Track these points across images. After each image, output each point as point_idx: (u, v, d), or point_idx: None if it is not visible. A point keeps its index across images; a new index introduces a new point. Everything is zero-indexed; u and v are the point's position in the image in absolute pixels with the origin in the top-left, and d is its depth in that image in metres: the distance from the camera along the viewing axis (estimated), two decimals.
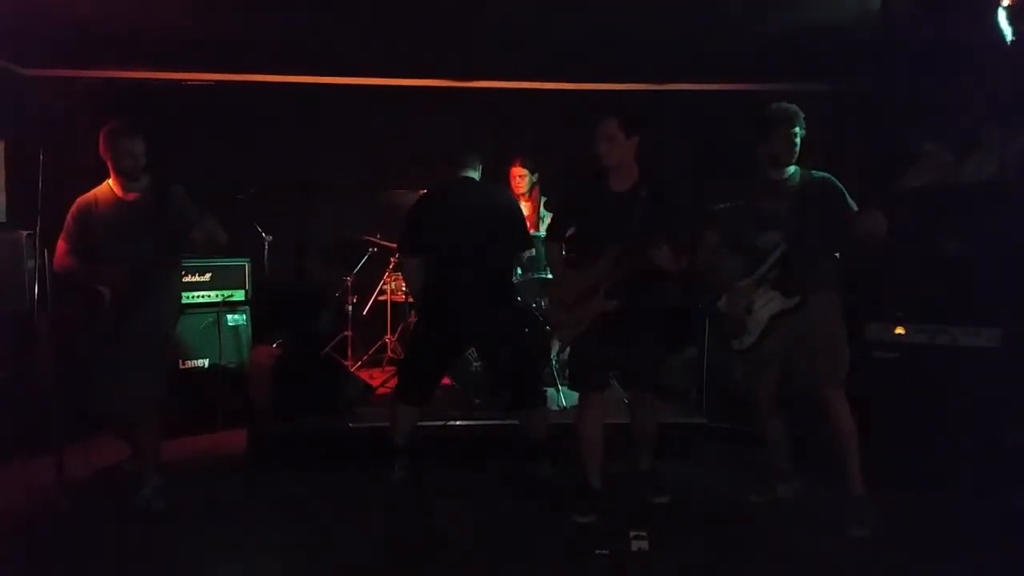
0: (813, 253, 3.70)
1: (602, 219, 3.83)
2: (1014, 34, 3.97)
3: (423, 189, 5.28)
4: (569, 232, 4.02)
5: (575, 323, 3.87)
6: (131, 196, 3.93)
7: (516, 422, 4.47)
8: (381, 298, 6.33)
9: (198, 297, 5.49)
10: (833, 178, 3.75)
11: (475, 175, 4.39)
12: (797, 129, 3.71)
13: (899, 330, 4.38)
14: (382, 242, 6.19)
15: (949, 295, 4.30)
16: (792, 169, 3.78)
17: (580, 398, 4.04)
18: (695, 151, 6.41)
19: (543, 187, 5.91)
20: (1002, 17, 3.94)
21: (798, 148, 3.73)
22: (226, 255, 5.56)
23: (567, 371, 5.43)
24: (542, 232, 5.44)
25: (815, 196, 3.68)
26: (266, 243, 6.13)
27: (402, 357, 5.21)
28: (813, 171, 3.78)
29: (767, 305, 3.80)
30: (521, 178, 5.74)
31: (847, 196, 3.69)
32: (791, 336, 3.77)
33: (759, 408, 4.03)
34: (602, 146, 3.78)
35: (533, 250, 4.65)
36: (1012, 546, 3.59)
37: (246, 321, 5.67)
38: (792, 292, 3.73)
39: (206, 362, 5.46)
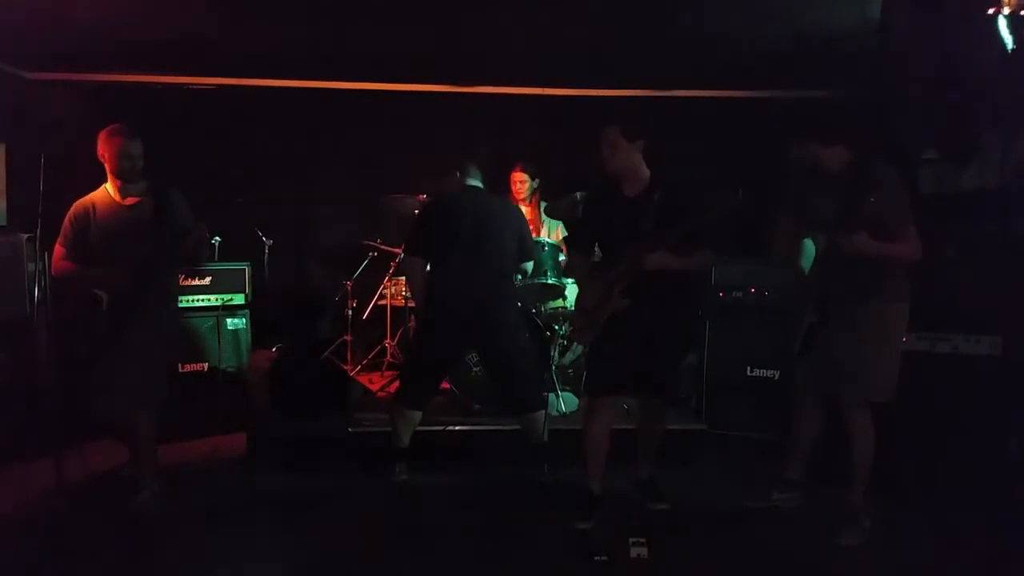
0: (851, 260, 3.52)
1: (616, 224, 3.86)
2: (1014, 42, 3.97)
3: (423, 194, 5.31)
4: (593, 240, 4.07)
5: (591, 325, 3.88)
6: (129, 200, 3.93)
7: (516, 427, 4.48)
8: (381, 303, 6.32)
9: (198, 301, 5.48)
10: (888, 169, 3.54)
11: (479, 184, 4.42)
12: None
13: None
14: (382, 247, 6.19)
15: (950, 303, 4.30)
16: (849, 163, 3.65)
17: (590, 402, 4.03)
18: (698, 157, 6.41)
19: (543, 193, 5.91)
20: (1002, 25, 3.94)
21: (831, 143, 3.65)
22: (220, 261, 5.58)
23: (570, 375, 5.45)
24: (543, 238, 5.45)
25: (861, 193, 3.44)
26: (266, 247, 6.13)
27: (403, 361, 5.21)
28: (875, 160, 3.60)
29: (812, 313, 3.80)
30: (522, 184, 5.75)
31: (895, 192, 3.49)
32: (824, 347, 3.73)
33: (795, 410, 4.04)
34: (605, 152, 3.81)
35: (532, 262, 4.68)
36: (1012, 555, 3.59)
37: (246, 325, 5.66)
38: (819, 306, 3.72)
39: (205, 366, 5.46)
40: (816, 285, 3.76)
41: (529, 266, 4.68)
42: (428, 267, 4.41)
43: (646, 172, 3.85)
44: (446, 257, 4.31)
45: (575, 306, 4.25)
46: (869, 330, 3.62)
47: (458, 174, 4.44)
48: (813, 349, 3.78)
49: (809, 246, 3.92)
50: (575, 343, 5.34)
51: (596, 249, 4.17)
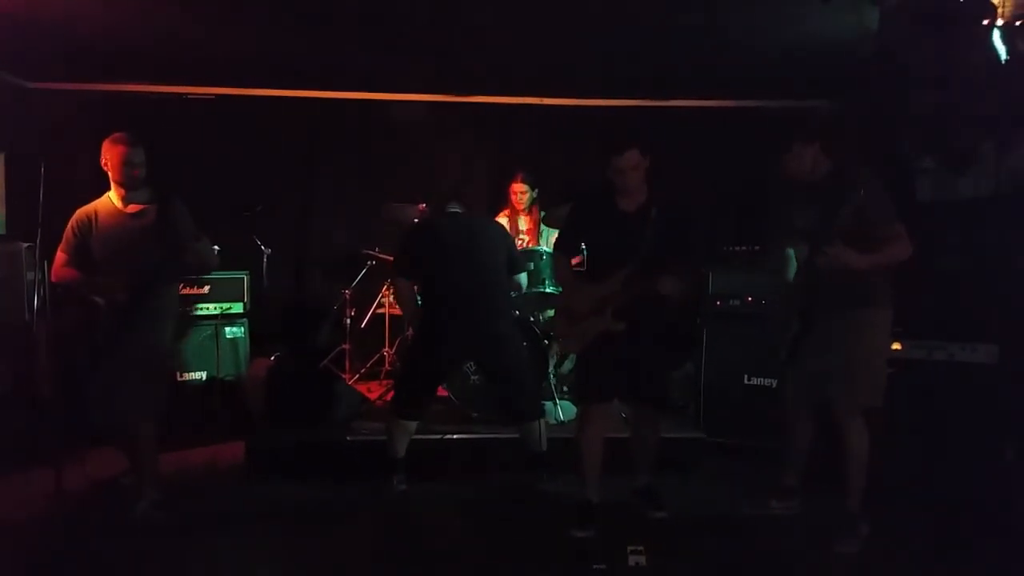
0: (834, 268, 3.54)
1: (611, 239, 3.86)
2: (1008, 53, 4.01)
3: (421, 203, 5.34)
4: (579, 247, 4.06)
5: (581, 336, 3.88)
6: (131, 208, 3.93)
7: (514, 435, 4.48)
8: (379, 311, 6.33)
9: (196, 310, 5.48)
10: (868, 173, 3.55)
11: (459, 209, 4.50)
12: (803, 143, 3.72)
13: (896, 346, 4.39)
14: (380, 255, 6.19)
15: (946, 311, 4.32)
16: (829, 170, 3.70)
17: (582, 411, 4.05)
18: (696, 168, 6.45)
19: (543, 202, 5.94)
20: (997, 36, 3.98)
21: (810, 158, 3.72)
22: (222, 270, 5.58)
23: (568, 384, 5.46)
24: (542, 247, 5.47)
25: (840, 202, 3.44)
26: (265, 256, 6.13)
27: (399, 370, 5.22)
28: (864, 169, 3.60)
29: (797, 322, 3.82)
30: (523, 194, 5.77)
31: (878, 194, 3.50)
32: (813, 354, 3.76)
33: (787, 419, 4.05)
34: (625, 175, 3.77)
35: (532, 264, 4.68)
36: (1008, 563, 3.60)
37: (244, 334, 5.66)
38: (803, 315, 3.74)
39: (204, 375, 5.46)
40: (800, 293, 3.78)
41: (523, 278, 4.71)
42: (422, 282, 4.45)
43: (645, 188, 3.87)
44: (440, 274, 4.34)
45: (556, 310, 4.26)
46: (855, 336, 3.65)
47: (439, 200, 4.53)
48: (800, 357, 3.81)
49: (791, 254, 3.96)
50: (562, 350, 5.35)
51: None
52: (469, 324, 4.28)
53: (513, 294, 4.82)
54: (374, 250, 6.22)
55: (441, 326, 4.32)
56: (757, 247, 4.12)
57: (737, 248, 5.31)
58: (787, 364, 3.93)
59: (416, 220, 4.75)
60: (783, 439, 4.13)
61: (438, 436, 4.80)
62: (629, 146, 3.75)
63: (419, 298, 4.49)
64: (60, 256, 3.92)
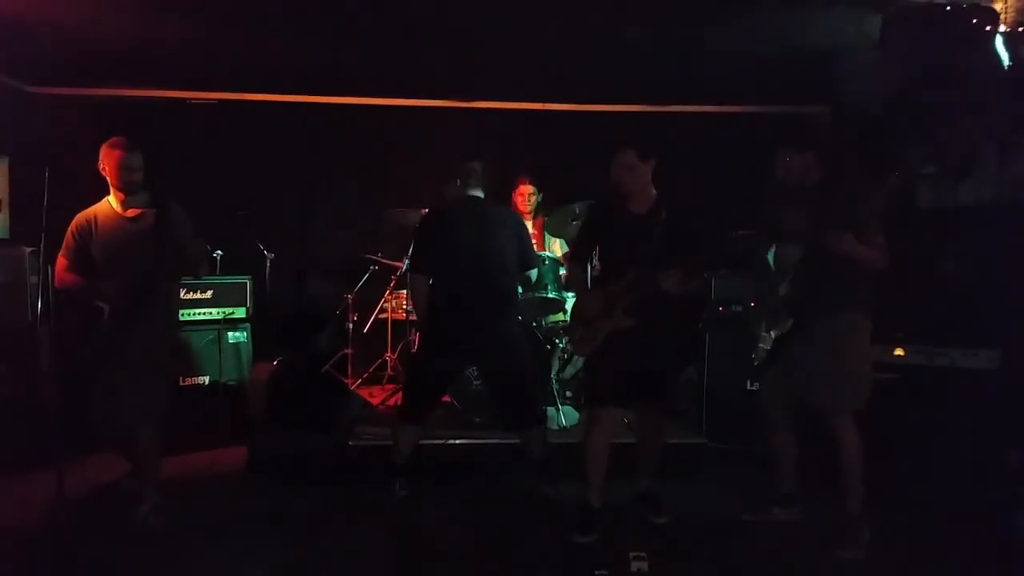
0: (826, 270, 3.61)
1: (621, 241, 3.88)
2: (1010, 59, 4.01)
3: (424, 208, 5.33)
4: (593, 253, 4.09)
5: (591, 339, 3.89)
6: (131, 213, 3.94)
7: (516, 441, 4.48)
8: (382, 316, 6.33)
9: (199, 314, 5.49)
10: (862, 179, 3.65)
11: (480, 194, 4.42)
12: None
13: (898, 351, 4.39)
14: (383, 260, 6.20)
15: (948, 316, 4.32)
16: (825, 176, 3.74)
17: (589, 414, 4.04)
18: (700, 172, 6.44)
19: (547, 209, 5.94)
20: (999, 43, 3.98)
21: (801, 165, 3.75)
22: (222, 274, 5.59)
23: (570, 389, 5.46)
24: (545, 252, 5.46)
25: (841, 198, 3.54)
26: (268, 261, 6.14)
27: (404, 376, 5.23)
28: (849, 170, 3.70)
29: (779, 324, 3.81)
30: (530, 195, 5.77)
31: (867, 201, 3.57)
32: (797, 358, 3.78)
33: (769, 424, 4.04)
34: (623, 175, 3.82)
35: (536, 269, 4.67)
36: (1009, 569, 3.59)
37: (247, 338, 5.67)
38: (794, 314, 3.73)
39: (206, 379, 5.46)
40: (788, 297, 3.78)
41: (533, 273, 4.65)
42: (435, 276, 4.41)
43: (653, 190, 3.88)
44: (446, 271, 4.32)
45: (572, 316, 4.27)
46: (844, 340, 3.68)
47: (458, 183, 4.43)
48: (782, 361, 3.81)
49: (769, 259, 3.98)
50: (575, 356, 5.35)
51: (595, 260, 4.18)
52: (475, 326, 4.26)
53: (520, 291, 4.80)
54: (377, 255, 6.23)
55: (447, 328, 4.31)
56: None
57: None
58: (766, 367, 3.95)
59: (429, 209, 4.67)
60: (770, 445, 4.12)
61: (441, 441, 4.80)
62: (624, 146, 3.80)
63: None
64: (61, 261, 3.92)
